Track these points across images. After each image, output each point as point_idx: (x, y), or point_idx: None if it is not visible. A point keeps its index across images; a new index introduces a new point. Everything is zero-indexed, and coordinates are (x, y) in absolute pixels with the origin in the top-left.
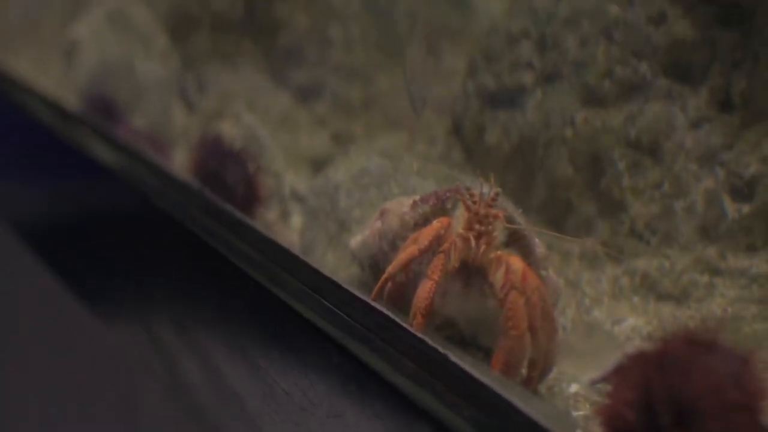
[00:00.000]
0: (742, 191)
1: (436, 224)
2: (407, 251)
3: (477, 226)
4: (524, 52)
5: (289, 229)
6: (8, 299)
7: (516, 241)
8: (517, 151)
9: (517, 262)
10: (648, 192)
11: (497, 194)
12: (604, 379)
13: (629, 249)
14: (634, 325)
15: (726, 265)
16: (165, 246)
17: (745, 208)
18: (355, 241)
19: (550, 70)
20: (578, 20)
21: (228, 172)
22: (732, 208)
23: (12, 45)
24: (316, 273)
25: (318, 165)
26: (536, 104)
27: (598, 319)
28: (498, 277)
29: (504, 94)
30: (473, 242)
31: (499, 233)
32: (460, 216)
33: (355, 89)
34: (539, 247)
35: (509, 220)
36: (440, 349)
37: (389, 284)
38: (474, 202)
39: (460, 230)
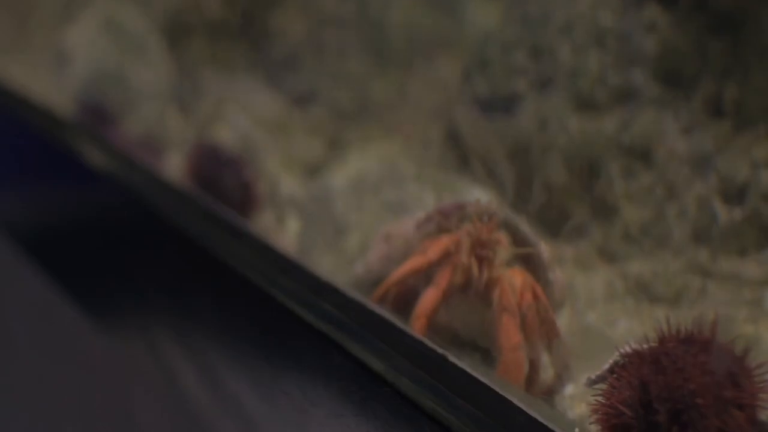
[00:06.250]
0: (734, 196)
1: (445, 239)
2: (415, 259)
3: (479, 251)
4: (518, 59)
5: (285, 233)
6: (1, 307)
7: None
8: (512, 158)
9: (517, 277)
10: (641, 197)
11: (499, 218)
12: (600, 379)
13: (622, 253)
14: (628, 328)
15: (718, 268)
16: (161, 252)
17: (737, 213)
18: (360, 266)
19: (544, 77)
20: (571, 28)
21: (224, 177)
22: (724, 213)
23: (2, 51)
24: (315, 276)
25: (313, 171)
26: (530, 111)
27: (593, 322)
28: (495, 297)
29: (498, 101)
30: (475, 268)
31: (501, 255)
32: (463, 237)
33: (349, 95)
34: (545, 252)
35: (510, 226)
36: (439, 349)
37: (393, 291)
38: (476, 227)
39: (464, 256)
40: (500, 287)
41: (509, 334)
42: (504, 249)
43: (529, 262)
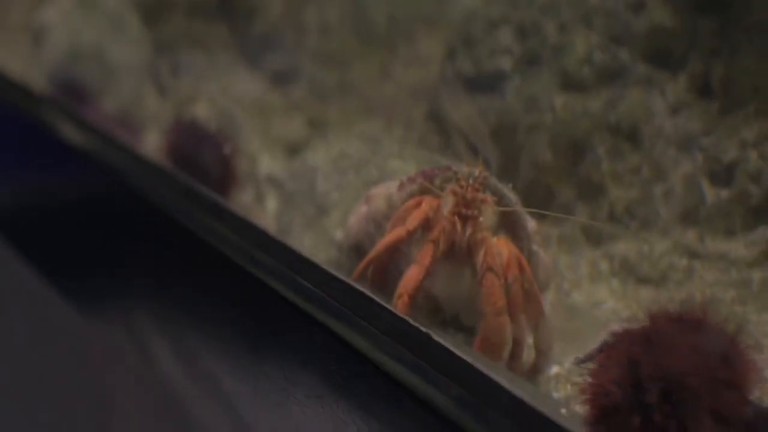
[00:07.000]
0: (721, 176)
1: (424, 205)
2: (395, 232)
3: (463, 210)
4: (504, 37)
5: (264, 211)
6: None
7: (507, 216)
8: (497, 137)
9: (503, 248)
10: (627, 177)
11: (485, 178)
12: (589, 358)
13: (608, 233)
14: (613, 308)
15: (705, 249)
16: (139, 230)
17: (724, 193)
18: (341, 233)
19: (530, 56)
20: (558, 6)
21: (203, 155)
22: (711, 193)
23: None
24: (295, 254)
25: (293, 150)
26: (516, 89)
27: (578, 302)
28: (479, 258)
29: (483, 79)
30: (459, 227)
31: (486, 217)
32: (447, 196)
33: (330, 74)
34: (530, 221)
35: (496, 192)
36: (422, 328)
37: (375, 265)
38: (461, 186)
39: (447, 214)
40: (485, 247)
41: (494, 298)
42: (490, 208)
43: (514, 232)
